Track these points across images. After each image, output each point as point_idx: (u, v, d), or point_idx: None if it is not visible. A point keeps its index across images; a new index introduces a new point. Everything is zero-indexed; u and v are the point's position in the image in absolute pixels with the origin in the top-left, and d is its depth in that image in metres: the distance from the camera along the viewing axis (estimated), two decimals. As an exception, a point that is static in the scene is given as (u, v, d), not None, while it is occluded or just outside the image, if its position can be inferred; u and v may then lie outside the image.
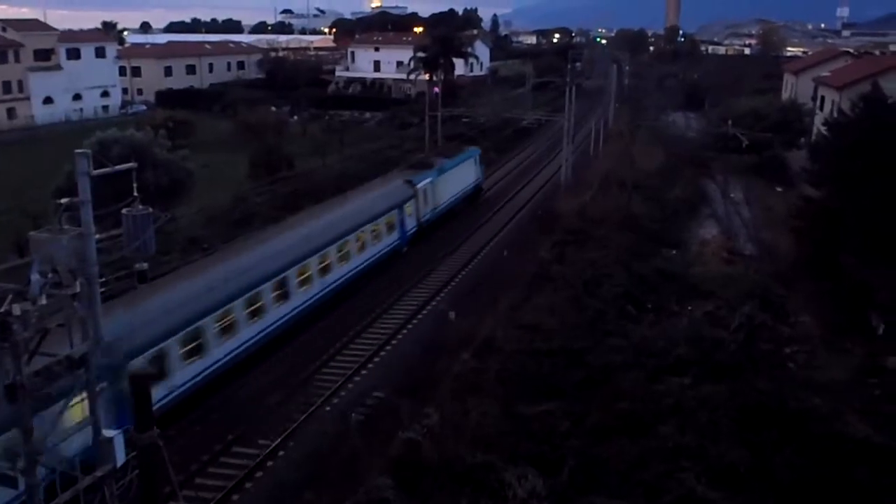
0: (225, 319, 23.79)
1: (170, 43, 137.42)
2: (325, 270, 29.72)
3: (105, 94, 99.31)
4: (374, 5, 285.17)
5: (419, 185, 39.99)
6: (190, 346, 22.19)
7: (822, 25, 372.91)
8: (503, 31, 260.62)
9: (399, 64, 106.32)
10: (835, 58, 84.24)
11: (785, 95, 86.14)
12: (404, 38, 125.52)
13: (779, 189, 53.67)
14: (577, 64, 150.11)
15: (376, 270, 34.50)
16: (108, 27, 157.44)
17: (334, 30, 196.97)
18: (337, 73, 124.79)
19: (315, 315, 29.07)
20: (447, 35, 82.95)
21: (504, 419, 21.07)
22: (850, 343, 27.80)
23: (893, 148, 30.59)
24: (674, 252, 39.54)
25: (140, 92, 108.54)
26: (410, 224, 38.86)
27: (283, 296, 26.83)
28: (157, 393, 19.11)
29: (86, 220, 11.18)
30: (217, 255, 27.71)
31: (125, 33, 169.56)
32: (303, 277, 28.13)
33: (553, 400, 21.96)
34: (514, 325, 27.86)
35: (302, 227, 30.61)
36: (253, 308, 25.09)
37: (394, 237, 36.76)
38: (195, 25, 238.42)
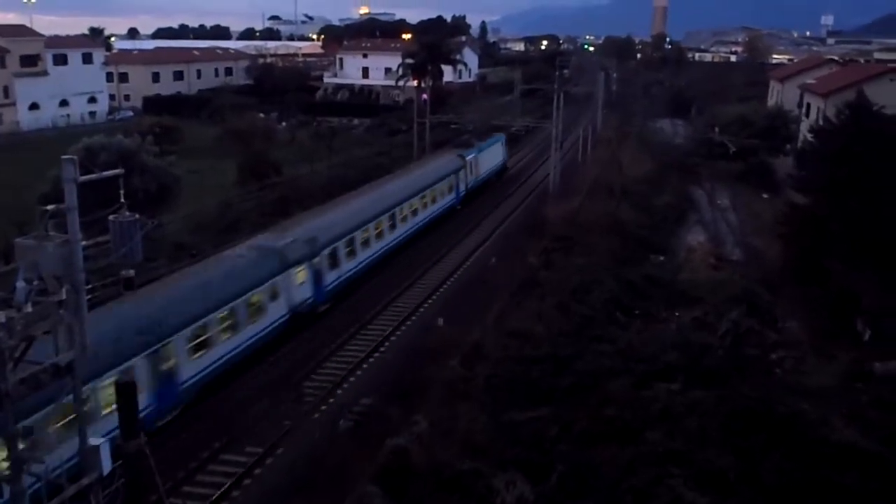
0: (364, 235, 34.77)
1: (157, 49, 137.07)
2: (415, 213, 41.48)
3: (92, 100, 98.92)
4: (362, 12, 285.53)
5: (468, 158, 50.39)
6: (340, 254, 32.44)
7: (808, 33, 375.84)
8: (491, 38, 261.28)
9: (387, 70, 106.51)
10: (820, 65, 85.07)
11: (771, 102, 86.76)
12: (392, 45, 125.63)
13: (765, 195, 54.00)
14: (565, 71, 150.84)
15: (441, 220, 45.18)
16: (96, 33, 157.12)
17: (322, 36, 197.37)
18: (325, 80, 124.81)
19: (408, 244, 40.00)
20: (435, 42, 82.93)
21: (492, 425, 21.05)
22: (837, 349, 27.94)
23: (878, 155, 30.85)
24: (662, 258, 39.68)
25: (127, 98, 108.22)
26: (462, 188, 49.11)
27: (393, 226, 38.07)
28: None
29: (72, 226, 11.10)
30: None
31: (113, 39, 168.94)
32: (403, 216, 39.48)
33: (541, 406, 21.95)
34: (503, 332, 27.85)
35: (396, 181, 42.79)
36: (377, 231, 36.38)
37: (452, 196, 47.68)
38: (183, 31, 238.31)
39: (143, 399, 19.41)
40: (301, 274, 28.91)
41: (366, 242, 34.85)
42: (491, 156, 56.96)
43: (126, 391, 12.15)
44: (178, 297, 23.22)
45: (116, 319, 20.36)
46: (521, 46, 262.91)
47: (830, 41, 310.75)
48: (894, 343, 28.81)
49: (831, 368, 26.06)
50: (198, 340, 22.95)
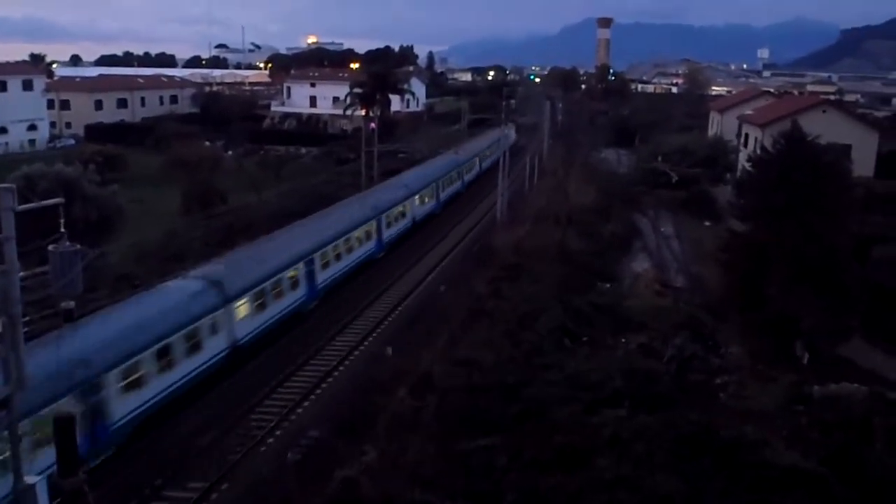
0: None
1: (100, 76, 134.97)
2: (459, 176, 64.14)
3: (32, 127, 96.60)
4: (310, 41, 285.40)
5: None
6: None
7: (744, 66, 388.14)
8: (439, 68, 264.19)
9: (335, 99, 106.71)
10: (757, 97, 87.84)
11: (711, 132, 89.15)
12: (340, 74, 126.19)
13: (707, 223, 55.23)
14: (512, 101, 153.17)
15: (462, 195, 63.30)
16: (37, 59, 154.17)
17: (270, 65, 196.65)
18: (272, 108, 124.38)
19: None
20: (383, 71, 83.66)
21: (442, 455, 20.94)
22: (777, 372, 28.59)
23: (812, 183, 31.90)
24: (608, 285, 40.20)
25: (69, 126, 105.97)
26: (475, 174, 68.56)
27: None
28: None
29: (9, 257, 10.85)
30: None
31: (54, 66, 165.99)
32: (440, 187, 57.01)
33: (491, 435, 21.92)
34: (452, 361, 27.83)
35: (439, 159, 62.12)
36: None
37: (473, 175, 68.87)
38: (127, 59, 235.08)
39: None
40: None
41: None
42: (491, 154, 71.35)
43: (64, 426, 11.79)
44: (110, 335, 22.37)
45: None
46: (468, 76, 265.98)
47: (766, 74, 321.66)
48: (831, 365, 29.66)
49: (772, 391, 26.63)
50: (131, 378, 22.24)
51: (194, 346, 25.23)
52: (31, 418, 17.25)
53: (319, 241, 35.45)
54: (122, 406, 21.87)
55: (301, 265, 33.15)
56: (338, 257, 37.20)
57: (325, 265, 35.71)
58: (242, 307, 28.29)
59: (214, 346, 26.37)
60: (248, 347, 28.71)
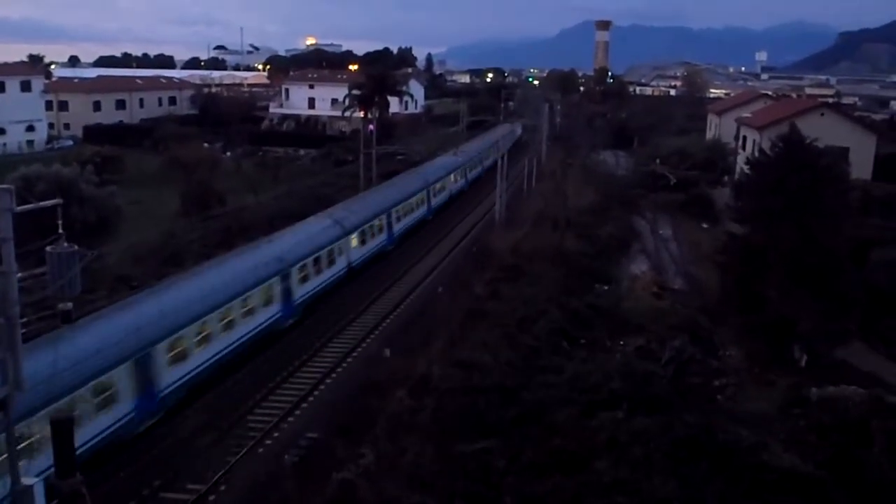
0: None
1: (99, 77, 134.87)
2: (480, 161, 74.23)
3: (30, 128, 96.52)
4: (308, 43, 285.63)
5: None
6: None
7: (743, 68, 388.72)
8: (437, 69, 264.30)
9: (334, 101, 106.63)
10: (755, 99, 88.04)
11: (709, 135, 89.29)
12: (339, 76, 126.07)
13: (705, 225, 55.32)
14: (510, 103, 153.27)
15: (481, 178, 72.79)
16: (35, 60, 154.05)
17: (268, 66, 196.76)
18: (271, 110, 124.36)
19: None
20: (382, 73, 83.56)
21: (440, 458, 20.93)
22: (775, 375, 28.62)
23: (810, 186, 31.94)
24: (606, 287, 40.22)
25: (67, 127, 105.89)
26: (492, 160, 71.94)
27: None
28: None
29: (7, 258, 10.82)
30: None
31: (53, 67, 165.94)
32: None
33: (489, 437, 21.91)
34: (450, 363, 27.81)
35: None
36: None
37: (490, 161, 73.80)
38: (126, 60, 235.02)
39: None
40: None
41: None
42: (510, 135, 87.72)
43: (62, 428, 11.77)
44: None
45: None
46: (466, 78, 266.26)
47: (764, 76, 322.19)
48: (829, 368, 29.69)
49: (770, 394, 26.67)
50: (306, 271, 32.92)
51: (331, 262, 35.96)
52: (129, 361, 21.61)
53: (393, 201, 47.39)
54: (302, 289, 32.70)
55: (384, 216, 44.74)
56: (404, 215, 48.77)
57: (398, 219, 47.42)
58: (354, 239, 39.08)
59: (341, 264, 37.12)
60: (357, 269, 39.24)
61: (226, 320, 26.74)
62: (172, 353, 23.94)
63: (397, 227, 46.89)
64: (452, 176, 64.21)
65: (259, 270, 29.74)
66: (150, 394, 23.03)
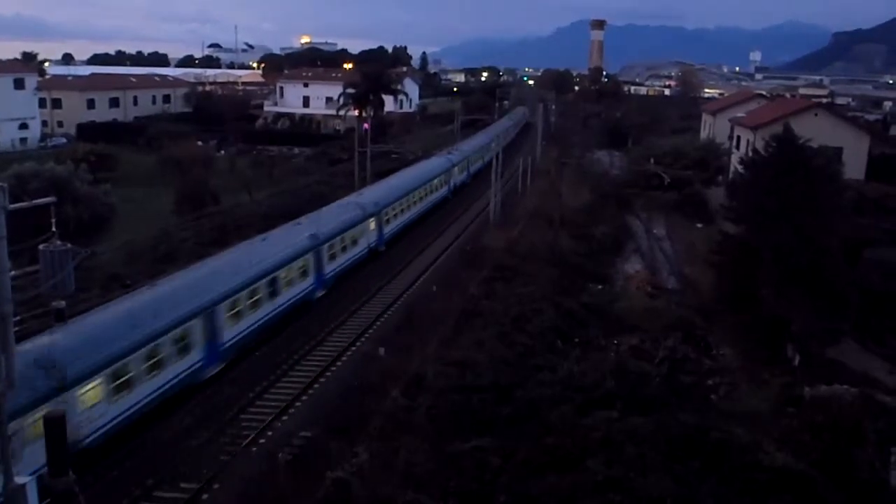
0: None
1: (93, 75, 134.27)
2: (499, 139, 75.62)
3: (24, 126, 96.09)
4: (303, 41, 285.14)
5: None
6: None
7: (737, 68, 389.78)
8: (432, 68, 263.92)
9: (328, 100, 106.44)
10: (749, 100, 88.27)
11: (703, 135, 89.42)
12: (334, 75, 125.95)
13: (699, 225, 55.44)
14: (505, 102, 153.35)
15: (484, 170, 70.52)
16: (29, 58, 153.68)
17: (263, 65, 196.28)
18: (265, 108, 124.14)
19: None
20: (377, 72, 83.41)
21: (434, 457, 20.93)
22: (769, 374, 28.70)
23: (804, 186, 32.05)
24: (600, 287, 40.29)
25: (61, 125, 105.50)
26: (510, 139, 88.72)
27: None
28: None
29: (0, 256, 10.78)
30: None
31: (47, 64, 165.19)
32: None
33: (483, 436, 21.94)
34: (445, 362, 27.81)
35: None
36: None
37: (509, 139, 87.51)
38: (120, 58, 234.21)
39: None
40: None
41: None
42: (513, 124, 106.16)
43: (55, 426, 11.73)
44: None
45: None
46: (461, 77, 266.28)
47: (759, 76, 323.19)
48: (822, 367, 29.79)
49: (763, 393, 26.75)
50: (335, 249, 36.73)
51: (353, 242, 39.44)
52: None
53: (420, 182, 54.17)
54: (332, 265, 36.40)
55: (404, 200, 49.33)
56: (426, 195, 54.84)
57: (422, 198, 53.78)
58: (373, 222, 42.56)
59: (364, 243, 40.96)
60: (375, 251, 43.13)
61: (271, 289, 30.26)
62: (231, 313, 27.18)
63: (425, 202, 54.87)
64: (474, 156, 73.97)
65: (297, 246, 33.27)
66: (214, 346, 26.19)
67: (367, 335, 32.75)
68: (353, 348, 31.21)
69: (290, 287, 31.85)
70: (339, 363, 29.66)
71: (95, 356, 20.64)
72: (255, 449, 22.87)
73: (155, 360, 22.93)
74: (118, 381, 21.37)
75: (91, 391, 20.33)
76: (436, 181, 57.69)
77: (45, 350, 19.30)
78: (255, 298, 28.78)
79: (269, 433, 23.81)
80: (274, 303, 30.38)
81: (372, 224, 42.23)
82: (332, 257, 36.58)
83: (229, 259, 30.21)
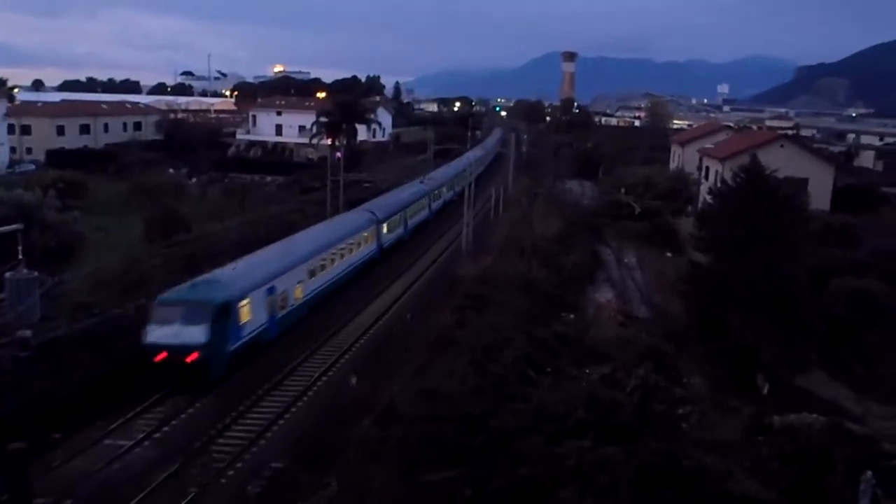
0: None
1: (63, 101, 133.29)
2: (484, 161, 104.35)
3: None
4: (276, 70, 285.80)
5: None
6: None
7: (705, 100, 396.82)
8: (405, 98, 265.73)
9: (301, 128, 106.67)
10: (717, 131, 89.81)
11: (673, 165, 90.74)
12: (307, 103, 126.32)
13: (669, 254, 55.98)
14: (478, 132, 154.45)
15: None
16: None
17: (236, 93, 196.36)
18: (238, 136, 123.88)
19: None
20: (350, 101, 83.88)
21: (406, 487, 20.74)
22: (738, 402, 28.90)
23: (771, 216, 32.58)
24: (571, 316, 40.41)
25: (30, 151, 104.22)
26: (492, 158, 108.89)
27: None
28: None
29: (-36, 285, 10.62)
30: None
31: (16, 90, 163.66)
32: None
33: (455, 466, 21.79)
34: (417, 391, 27.66)
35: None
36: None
37: (491, 158, 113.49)
38: (91, 85, 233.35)
39: None
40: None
41: None
42: (491, 147, 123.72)
43: (14, 462, 11.49)
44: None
45: None
46: (434, 107, 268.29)
47: (726, 108, 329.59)
48: (791, 396, 30.08)
49: (733, 422, 26.90)
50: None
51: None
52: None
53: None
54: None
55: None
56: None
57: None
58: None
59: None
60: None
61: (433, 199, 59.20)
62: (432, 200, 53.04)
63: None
64: (466, 171, 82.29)
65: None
66: (430, 211, 54.06)
67: (339, 363, 32.57)
68: (325, 378, 31.00)
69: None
70: (311, 392, 29.41)
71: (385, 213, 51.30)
72: (223, 481, 22.51)
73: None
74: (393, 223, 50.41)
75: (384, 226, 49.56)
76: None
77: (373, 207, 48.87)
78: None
79: (239, 465, 23.46)
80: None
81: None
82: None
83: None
